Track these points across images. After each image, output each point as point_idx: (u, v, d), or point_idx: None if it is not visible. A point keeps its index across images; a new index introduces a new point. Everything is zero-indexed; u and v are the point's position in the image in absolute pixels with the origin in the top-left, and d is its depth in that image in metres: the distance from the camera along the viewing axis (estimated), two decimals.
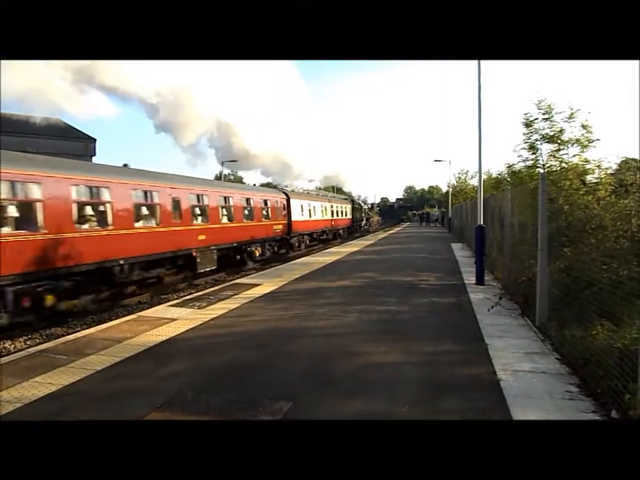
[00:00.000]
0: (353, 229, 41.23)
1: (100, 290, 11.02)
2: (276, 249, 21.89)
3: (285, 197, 23.77)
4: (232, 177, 69.21)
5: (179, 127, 39.05)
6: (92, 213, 10.65)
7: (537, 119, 10.15)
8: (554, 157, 9.90)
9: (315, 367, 5.05)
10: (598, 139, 9.27)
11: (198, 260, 14.48)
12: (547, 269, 6.17)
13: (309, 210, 27.30)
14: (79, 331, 8.01)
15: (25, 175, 8.95)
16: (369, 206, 61.60)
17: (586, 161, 9.07)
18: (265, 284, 10.90)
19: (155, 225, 12.66)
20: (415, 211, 76.10)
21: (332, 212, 33.38)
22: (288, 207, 23.53)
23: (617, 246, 5.25)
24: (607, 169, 7.62)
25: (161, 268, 13.17)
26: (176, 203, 13.62)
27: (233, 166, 45.56)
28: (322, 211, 30.47)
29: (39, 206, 9.17)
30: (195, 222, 14.67)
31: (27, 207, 9.07)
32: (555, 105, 9.93)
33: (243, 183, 23.15)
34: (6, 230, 8.56)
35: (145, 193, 12.38)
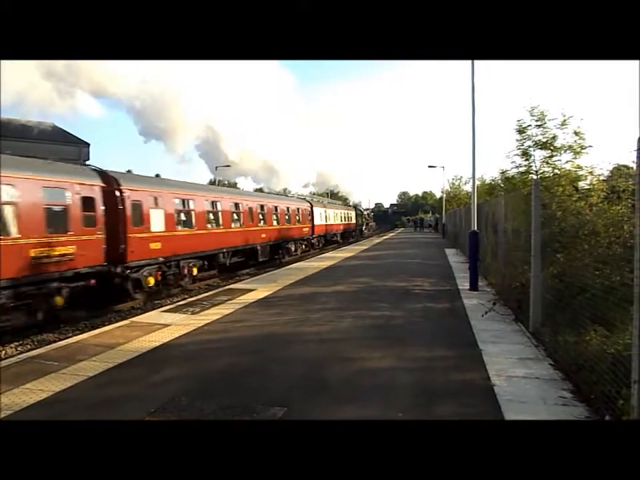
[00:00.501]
0: (356, 232, 46.22)
1: (211, 268, 16.54)
2: (303, 246, 27.44)
3: (309, 205, 29.65)
4: (226, 183, 69.07)
5: (166, 133, 39.38)
6: (212, 217, 16.62)
7: (529, 125, 10.25)
8: (547, 163, 9.99)
9: (309, 373, 5.02)
10: (590, 146, 9.37)
11: (259, 252, 20.04)
12: (541, 274, 6.20)
13: (325, 216, 33.11)
14: (70, 336, 7.95)
15: (186, 195, 14.90)
16: (368, 212, 65.31)
17: (578, 167, 9.16)
18: (259, 289, 10.87)
19: (239, 226, 18.58)
20: (409, 217, 76.29)
21: (341, 217, 39.09)
22: (312, 213, 29.31)
23: (609, 252, 5.28)
24: (599, 175, 7.68)
25: (238, 257, 18.56)
26: (250, 211, 19.61)
27: (226, 173, 45.47)
28: (334, 216, 36.25)
29: (193, 213, 14.99)
30: (258, 225, 20.58)
31: (188, 214, 14.90)
32: (548, 112, 10.03)
33: (238, 188, 24.01)
34: (180, 227, 14.26)
35: (236, 204, 18.52)
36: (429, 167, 39.05)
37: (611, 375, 3.70)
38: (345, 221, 40.71)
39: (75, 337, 7.04)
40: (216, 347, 6.12)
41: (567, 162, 9.59)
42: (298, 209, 26.86)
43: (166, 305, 10.45)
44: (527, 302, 6.56)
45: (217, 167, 40.21)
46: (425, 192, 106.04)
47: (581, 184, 8.18)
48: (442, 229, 38.32)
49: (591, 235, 5.83)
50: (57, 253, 9.68)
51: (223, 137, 43.87)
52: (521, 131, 10.44)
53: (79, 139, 38.09)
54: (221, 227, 16.87)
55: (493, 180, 17.87)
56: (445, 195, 40.34)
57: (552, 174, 9.52)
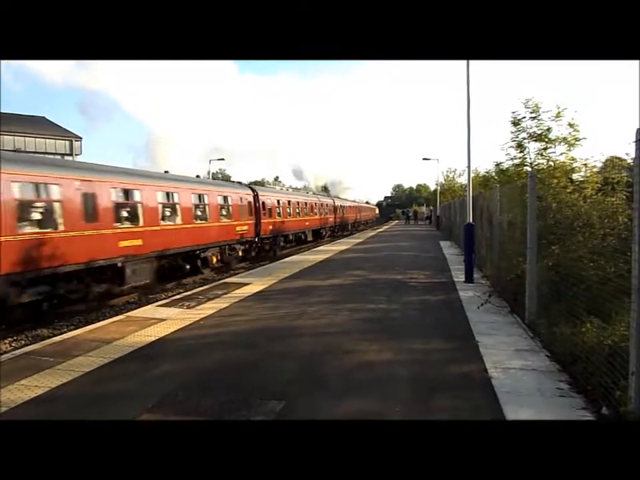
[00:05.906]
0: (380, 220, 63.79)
1: (289, 243, 26.27)
2: (329, 232, 35.89)
3: (333, 200, 39.40)
4: (220, 175, 69.15)
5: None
6: (290, 209, 25.73)
7: (524, 117, 10.21)
8: (541, 155, 9.97)
9: (306, 366, 5.02)
10: (584, 138, 9.36)
11: (306, 236, 29.01)
12: (536, 266, 6.21)
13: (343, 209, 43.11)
14: (65, 332, 7.90)
15: (280, 195, 25.17)
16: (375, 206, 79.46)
17: (573, 159, 9.16)
18: (254, 283, 10.85)
19: (302, 216, 28.16)
20: (403, 209, 76.58)
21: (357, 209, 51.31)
22: (334, 206, 38.10)
23: (604, 243, 5.30)
24: (593, 167, 7.70)
25: (293, 239, 27.15)
26: (297, 205, 27.70)
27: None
28: (352, 209, 47.35)
29: (284, 207, 24.36)
30: (304, 216, 29.09)
31: (282, 207, 24.15)
32: (542, 104, 10.00)
33: (233, 182, 25.23)
34: (278, 217, 23.67)
35: (298, 202, 27.83)
36: (424, 159, 39.01)
37: (608, 366, 3.73)
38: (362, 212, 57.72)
39: (70, 332, 7.00)
40: (212, 341, 6.10)
41: (561, 154, 9.58)
42: (327, 204, 36.03)
43: (161, 299, 10.41)
44: (523, 294, 6.59)
45: (210, 160, 40.44)
46: (419, 184, 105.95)
47: (576, 176, 8.19)
48: (436, 221, 38.41)
49: (585, 227, 5.86)
50: (242, 229, 18.84)
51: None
52: (516, 123, 10.39)
53: (71, 132, 37.71)
54: (294, 216, 26.39)
55: (487, 172, 17.84)
56: (439, 188, 40.33)
57: (546, 166, 9.51)
